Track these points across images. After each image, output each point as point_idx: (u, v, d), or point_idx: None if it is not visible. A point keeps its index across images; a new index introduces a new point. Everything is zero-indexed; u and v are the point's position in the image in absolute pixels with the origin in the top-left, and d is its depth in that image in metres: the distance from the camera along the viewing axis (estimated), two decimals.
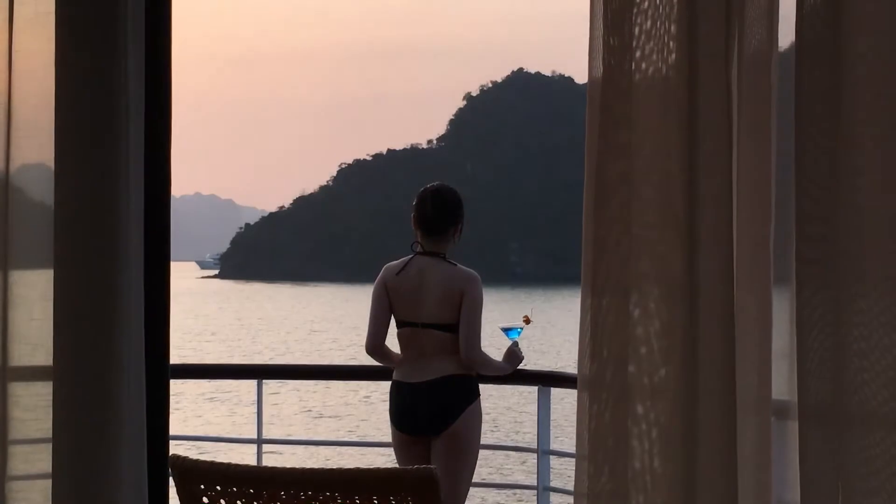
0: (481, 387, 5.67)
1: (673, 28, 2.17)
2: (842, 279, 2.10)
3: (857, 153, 2.10)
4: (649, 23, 2.20)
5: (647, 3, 2.20)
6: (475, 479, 5.76)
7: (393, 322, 5.72)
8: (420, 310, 5.63)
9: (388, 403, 5.71)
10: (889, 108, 2.09)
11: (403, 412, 5.66)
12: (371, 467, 3.38)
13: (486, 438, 5.81)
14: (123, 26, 2.30)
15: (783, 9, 2.19)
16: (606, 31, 2.21)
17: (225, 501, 3.44)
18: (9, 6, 2.32)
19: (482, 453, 5.78)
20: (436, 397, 5.59)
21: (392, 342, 5.80)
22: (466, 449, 5.60)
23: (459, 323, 5.58)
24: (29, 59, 2.35)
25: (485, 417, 5.73)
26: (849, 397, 2.09)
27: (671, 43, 2.18)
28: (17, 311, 2.37)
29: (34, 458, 2.41)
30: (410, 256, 5.73)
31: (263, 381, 6.54)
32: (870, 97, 2.11)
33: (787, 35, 2.18)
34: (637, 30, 2.20)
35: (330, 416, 27.43)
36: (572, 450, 2.35)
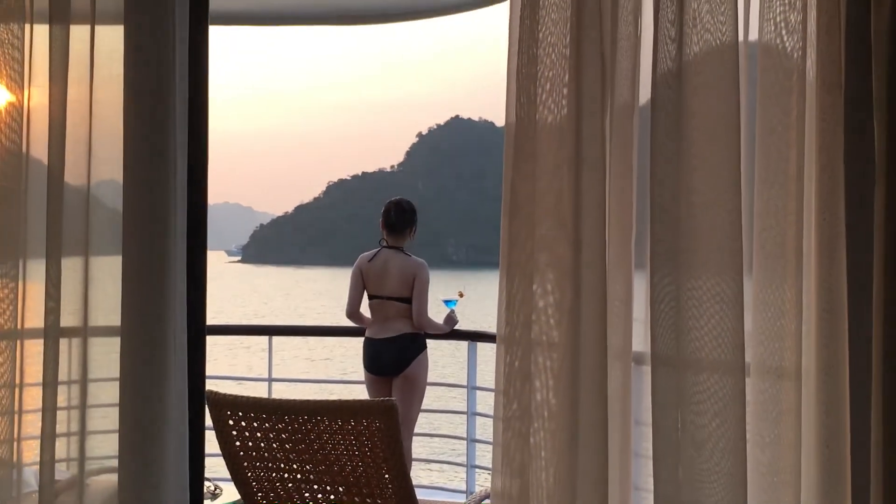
0: (428, 342, 5.70)
1: (565, 90, 2.18)
2: (680, 267, 2.12)
3: (692, 178, 2.12)
4: (548, 85, 2.20)
5: (548, 73, 2.20)
6: (423, 406, 5.78)
7: (365, 296, 5.75)
8: (385, 287, 5.66)
9: (361, 353, 5.72)
10: (713, 145, 2.11)
11: (372, 359, 5.68)
12: (349, 399, 3.37)
13: (430, 378, 5.82)
14: (172, 86, 2.29)
15: (642, 75, 2.19)
16: (518, 91, 2.21)
17: (245, 423, 3.42)
18: (90, 69, 2.30)
19: (428, 388, 5.79)
20: (395, 349, 5.61)
21: (364, 310, 5.82)
22: (417, 386, 5.63)
23: (412, 296, 5.60)
24: (104, 107, 2.33)
25: (432, 364, 5.74)
26: (684, 349, 2.11)
27: (563, 101, 2.18)
28: (94, 285, 2.35)
29: (106, 392, 2.38)
30: (378, 249, 5.78)
31: (273, 336, 6.50)
32: (700, 138, 2.12)
33: (645, 94, 2.19)
34: (540, 90, 2.21)
35: (322, 360, 27.43)
36: (492, 386, 2.36)
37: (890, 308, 1.92)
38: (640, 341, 2.19)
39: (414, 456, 5.87)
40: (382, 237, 5.76)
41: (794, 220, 2.10)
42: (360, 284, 5.72)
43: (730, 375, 2.08)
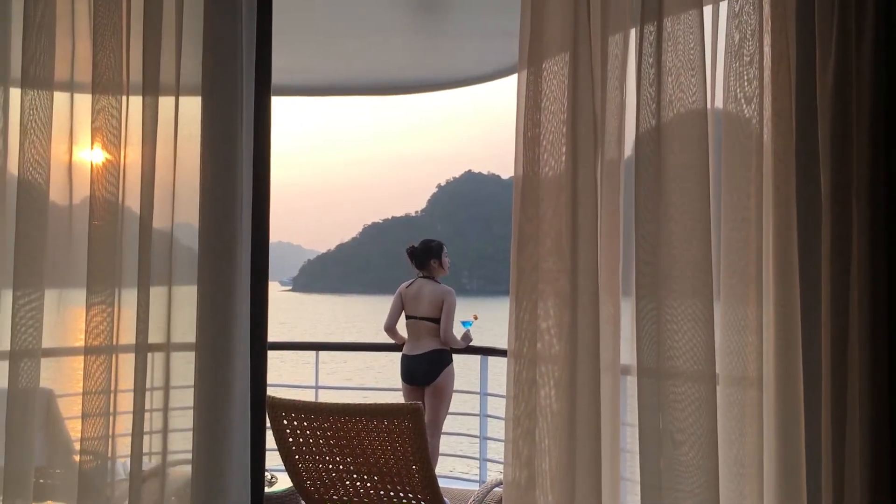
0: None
1: (563, 148, 2.18)
2: (661, 293, 2.10)
3: (670, 219, 2.11)
4: (549, 145, 2.20)
5: (549, 134, 2.21)
6: (449, 410, 5.78)
7: (403, 316, 5.83)
8: (418, 308, 5.72)
9: (398, 366, 5.75)
10: (687, 193, 2.10)
11: (407, 372, 5.69)
12: (384, 402, 3.36)
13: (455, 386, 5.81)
14: (239, 145, 2.30)
15: (627, 135, 2.19)
16: (525, 149, 2.22)
17: (297, 423, 3.40)
18: (174, 132, 2.32)
19: (453, 396, 5.80)
20: (426, 363, 5.62)
21: (400, 328, 5.86)
22: (444, 393, 5.63)
23: (441, 317, 5.63)
24: (184, 163, 2.34)
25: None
26: (664, 361, 2.09)
27: (562, 157, 2.18)
28: (175, 309, 2.35)
29: (184, 397, 2.38)
30: (415, 278, 5.85)
31: (319, 351, 6.50)
32: (676, 187, 2.11)
33: (628, 150, 2.19)
34: (542, 149, 2.21)
35: (358, 370, 27.37)
36: (501, 392, 2.34)
37: (836, 326, 1.91)
38: (627, 355, 2.17)
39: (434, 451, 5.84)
40: (415, 269, 5.95)
41: (755, 254, 2.09)
42: (398, 305, 5.88)
43: (702, 383, 2.06)
